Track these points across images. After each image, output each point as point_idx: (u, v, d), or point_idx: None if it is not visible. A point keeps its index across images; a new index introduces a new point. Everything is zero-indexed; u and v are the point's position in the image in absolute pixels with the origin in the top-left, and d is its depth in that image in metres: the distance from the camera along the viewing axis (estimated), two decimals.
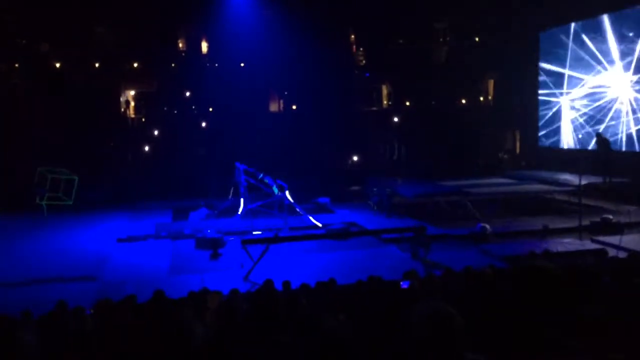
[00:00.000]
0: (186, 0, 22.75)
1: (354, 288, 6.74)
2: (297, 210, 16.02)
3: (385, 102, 27.83)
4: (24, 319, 5.98)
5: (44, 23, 22.53)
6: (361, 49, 27.37)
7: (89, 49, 24.30)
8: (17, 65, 23.87)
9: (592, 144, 19.20)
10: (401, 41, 26.71)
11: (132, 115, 25.58)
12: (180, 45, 26.45)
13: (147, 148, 24.20)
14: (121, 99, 25.28)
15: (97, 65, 24.80)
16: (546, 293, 2.36)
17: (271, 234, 12.70)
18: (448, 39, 26.80)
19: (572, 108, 20.62)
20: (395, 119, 26.13)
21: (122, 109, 25.24)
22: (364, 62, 27.31)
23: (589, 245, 12.11)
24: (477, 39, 26.12)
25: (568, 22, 20.49)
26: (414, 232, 12.12)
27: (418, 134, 24.62)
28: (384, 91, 27.84)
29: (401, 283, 6.73)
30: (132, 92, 25.87)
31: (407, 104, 27.11)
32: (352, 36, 27.42)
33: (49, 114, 21.70)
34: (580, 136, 20.29)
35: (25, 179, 19.47)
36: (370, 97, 27.53)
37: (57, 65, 24.46)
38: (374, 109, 27.33)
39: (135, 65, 25.49)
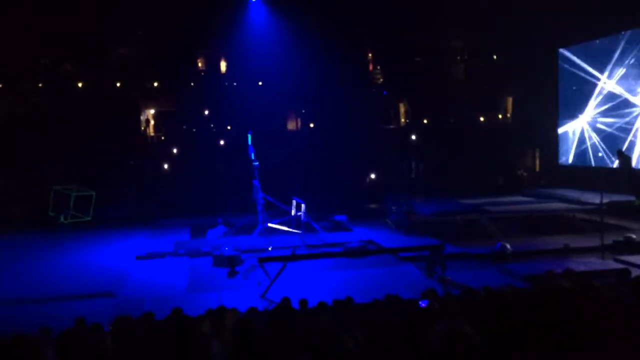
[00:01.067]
0: (205, 20, 23.11)
1: (372, 307, 6.68)
2: (315, 227, 16.00)
3: (402, 120, 27.86)
4: (43, 336, 6.02)
5: (66, 43, 23.07)
6: (378, 67, 27.50)
7: (110, 69, 24.78)
8: (40, 84, 24.41)
9: (615, 164, 18.93)
10: (418, 59, 26.79)
11: (152, 134, 25.94)
12: (200, 64, 26.85)
13: (166, 166, 24.46)
14: (141, 118, 25.66)
15: (118, 84, 25.25)
16: (565, 314, 2.32)
17: (288, 252, 12.69)
18: (466, 56, 26.82)
19: (593, 125, 20.41)
20: (413, 137, 26.10)
21: (142, 128, 25.60)
22: (381, 80, 27.42)
23: (612, 264, 11.89)
24: (495, 57, 26.10)
25: (587, 40, 20.38)
26: (430, 251, 12.02)
27: (436, 152, 24.55)
28: (402, 109, 27.89)
29: (420, 302, 6.66)
30: (152, 111, 26.26)
31: (425, 121, 27.09)
32: (370, 54, 27.59)
33: (70, 132, 22.08)
34: (600, 154, 20.04)
35: (46, 197, 19.76)
36: (388, 115, 27.58)
37: (79, 84, 24.96)
38: (392, 126, 27.35)
39: (155, 84, 25.90)
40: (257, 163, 16.39)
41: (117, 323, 5.24)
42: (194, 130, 25.92)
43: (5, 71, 23.07)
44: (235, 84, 26.18)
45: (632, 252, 12.54)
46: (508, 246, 13.10)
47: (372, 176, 25.43)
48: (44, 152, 21.35)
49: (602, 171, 19.13)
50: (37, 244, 16.41)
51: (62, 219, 18.66)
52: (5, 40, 22.04)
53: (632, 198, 16.44)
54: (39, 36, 22.86)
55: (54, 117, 22.85)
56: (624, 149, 18.49)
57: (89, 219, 19.17)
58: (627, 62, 18.64)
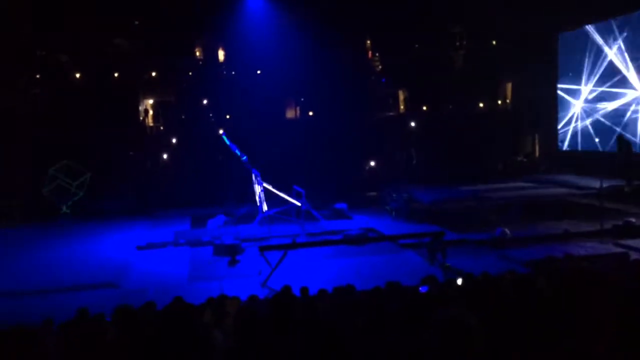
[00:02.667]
0: (203, 9, 22.97)
1: (372, 294, 6.70)
2: (315, 216, 16.01)
3: (401, 107, 27.76)
4: (45, 327, 6.04)
5: (63, 34, 22.92)
6: (377, 54, 27.36)
7: (108, 59, 24.64)
8: (37, 76, 24.30)
9: (611, 144, 18.94)
10: (417, 46, 26.65)
11: (151, 124, 25.86)
12: (198, 54, 26.70)
13: (165, 156, 24.41)
14: (140, 108, 25.57)
15: (116, 75, 25.13)
16: (566, 298, 2.31)
17: (289, 240, 12.71)
18: (464, 43, 26.68)
19: (592, 110, 20.37)
20: (412, 124, 26.04)
21: (141, 118, 25.52)
22: (380, 67, 27.28)
23: (611, 249, 11.92)
24: (494, 43, 25.95)
25: (586, 24, 20.28)
26: (430, 238, 12.04)
27: (435, 139, 24.49)
28: (401, 96, 27.78)
29: (419, 288, 6.68)
30: (151, 101, 26.17)
31: (424, 108, 27.01)
32: (368, 42, 27.44)
33: (68, 124, 22.04)
34: (597, 139, 20.03)
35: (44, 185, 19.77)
36: (387, 103, 27.47)
37: (77, 75, 24.84)
38: (391, 114, 27.26)
39: (154, 74, 25.78)
40: (245, 157, 16.41)
41: (118, 313, 5.26)
42: (193, 120, 25.83)
43: (1, 63, 22.95)
44: (233, 73, 26.06)
45: (631, 236, 12.56)
46: (508, 232, 13.13)
47: (372, 164, 25.40)
48: (43, 144, 21.31)
49: (602, 156, 19.14)
50: (38, 236, 16.45)
51: (64, 208, 18.67)
52: (1, 32, 21.92)
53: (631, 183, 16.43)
54: (35, 27, 22.71)
55: (52, 108, 22.78)
56: (619, 130, 18.49)
57: (81, 194, 19.00)
58: (619, 46, 18.58)
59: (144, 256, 13.70)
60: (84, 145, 21.57)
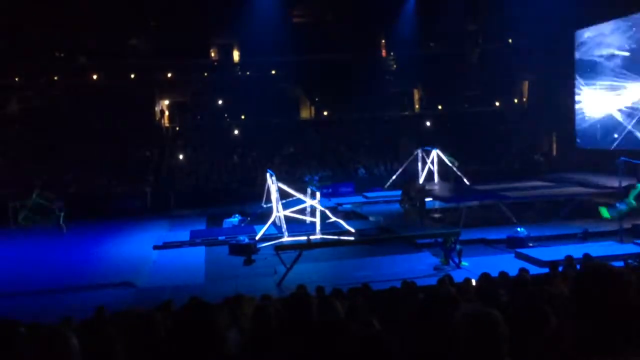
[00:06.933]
0: (217, 10, 23.06)
1: (388, 293, 6.67)
2: (330, 216, 15.96)
3: (417, 106, 27.64)
4: (65, 325, 6.09)
5: (81, 36, 23.18)
6: (392, 53, 27.25)
7: (125, 61, 24.87)
8: (55, 77, 24.58)
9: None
10: (432, 44, 26.51)
11: (167, 124, 26.03)
12: (213, 54, 26.83)
13: (181, 156, 24.56)
14: (156, 109, 25.75)
15: (132, 76, 25.34)
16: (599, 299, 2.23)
17: (304, 240, 12.69)
18: (481, 40, 26.47)
19: (611, 108, 20.09)
20: (428, 123, 25.90)
21: (157, 118, 25.70)
22: (395, 66, 27.18)
23: (631, 248, 11.73)
24: (510, 40, 25.70)
25: (605, 20, 20.00)
26: (447, 237, 11.94)
27: (451, 138, 24.32)
28: (416, 95, 27.66)
29: (437, 288, 6.64)
30: (167, 102, 26.34)
31: (440, 107, 26.85)
32: (383, 41, 27.35)
33: (86, 124, 22.26)
34: (615, 135, 19.74)
35: (65, 188, 19.96)
36: (402, 102, 27.36)
37: (95, 77, 25.10)
38: (406, 113, 27.14)
39: (169, 75, 25.95)
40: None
41: (135, 312, 5.28)
42: (208, 120, 25.97)
43: (22, 66, 23.28)
44: (248, 73, 26.15)
45: None
46: (526, 231, 12.98)
47: (388, 163, 25.30)
48: (62, 145, 21.54)
49: (620, 154, 18.84)
50: (56, 235, 16.62)
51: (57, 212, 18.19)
52: (21, 35, 22.22)
53: None
54: (54, 30, 22.97)
55: (70, 109, 23.04)
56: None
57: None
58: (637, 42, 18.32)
59: (161, 256, 13.78)
60: (101, 146, 21.78)
